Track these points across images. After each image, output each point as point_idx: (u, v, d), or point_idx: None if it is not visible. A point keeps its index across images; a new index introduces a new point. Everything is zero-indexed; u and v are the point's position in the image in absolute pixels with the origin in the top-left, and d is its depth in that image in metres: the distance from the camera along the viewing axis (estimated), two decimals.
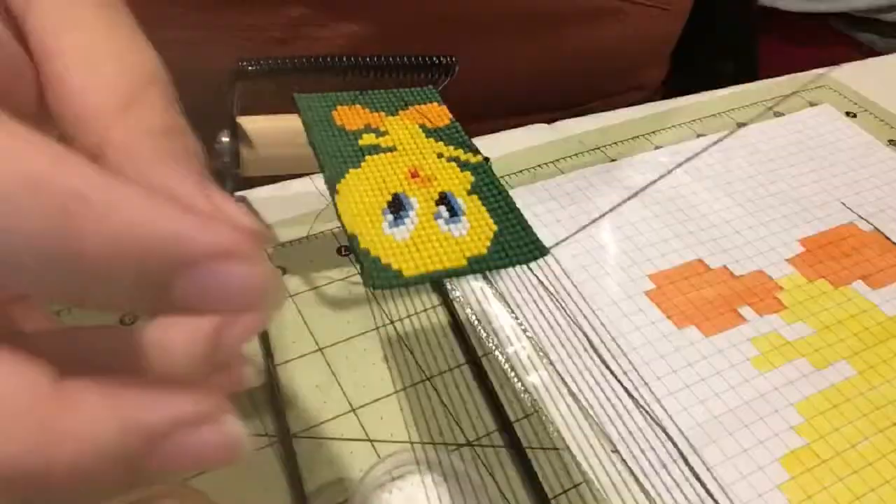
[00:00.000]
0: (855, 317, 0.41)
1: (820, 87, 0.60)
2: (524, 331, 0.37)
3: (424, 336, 0.38)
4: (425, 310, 0.39)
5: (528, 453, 0.33)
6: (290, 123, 0.39)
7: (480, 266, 0.25)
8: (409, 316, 0.39)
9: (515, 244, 0.26)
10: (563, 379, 0.35)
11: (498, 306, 0.38)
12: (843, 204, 0.49)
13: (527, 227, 0.27)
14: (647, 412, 0.34)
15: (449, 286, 0.39)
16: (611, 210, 0.46)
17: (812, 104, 0.58)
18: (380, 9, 0.48)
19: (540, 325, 0.38)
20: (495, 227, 0.26)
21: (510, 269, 0.25)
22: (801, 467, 0.34)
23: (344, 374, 0.36)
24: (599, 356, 0.36)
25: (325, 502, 0.31)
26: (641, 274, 0.42)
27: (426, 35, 0.50)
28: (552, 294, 0.38)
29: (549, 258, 0.38)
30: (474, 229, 0.26)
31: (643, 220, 0.46)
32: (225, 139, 0.38)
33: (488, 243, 0.26)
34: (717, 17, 0.67)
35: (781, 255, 0.45)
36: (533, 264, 0.26)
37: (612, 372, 0.36)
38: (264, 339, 0.37)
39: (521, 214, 0.27)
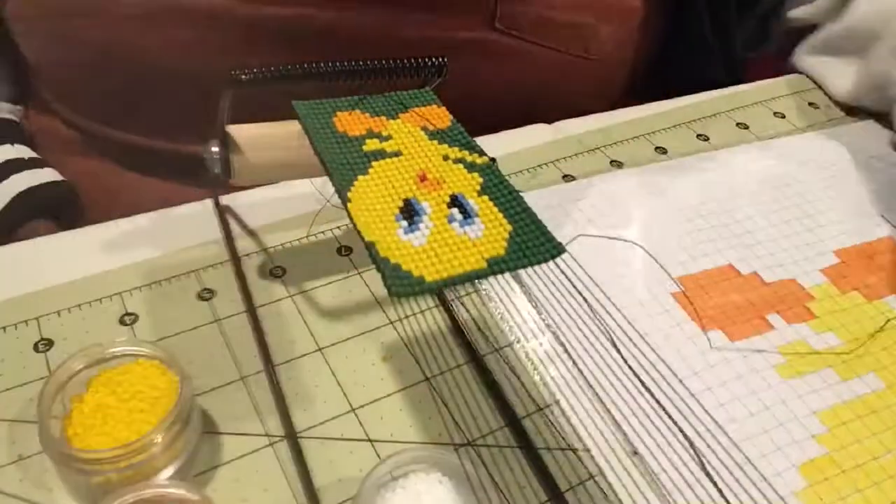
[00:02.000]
0: (887, 331, 0.40)
1: (819, 88, 0.60)
2: (547, 326, 0.37)
3: (424, 336, 0.38)
4: (424, 310, 0.39)
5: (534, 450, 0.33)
6: (278, 130, 0.39)
7: (500, 267, 0.25)
8: (409, 316, 0.39)
9: (532, 244, 0.26)
10: (584, 376, 0.35)
11: (522, 302, 0.38)
12: (883, 217, 0.48)
13: (541, 227, 0.27)
14: (666, 412, 0.34)
15: (467, 328, 0.38)
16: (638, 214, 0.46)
17: (811, 104, 0.58)
18: None
19: (563, 319, 0.37)
20: (510, 228, 0.26)
21: (533, 268, 0.25)
22: (819, 476, 0.34)
23: (344, 374, 0.36)
24: (621, 354, 0.36)
25: (326, 502, 0.31)
26: (669, 276, 0.42)
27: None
28: (573, 292, 0.38)
29: (569, 257, 0.38)
30: (489, 230, 0.26)
31: (676, 223, 0.45)
32: (215, 148, 0.38)
33: (505, 244, 0.26)
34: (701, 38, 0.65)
35: (815, 265, 0.44)
36: (559, 261, 0.26)
37: (632, 370, 0.35)
38: (262, 343, 0.37)
39: (534, 214, 0.27)
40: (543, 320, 0.37)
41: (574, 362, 0.36)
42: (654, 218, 0.46)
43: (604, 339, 0.37)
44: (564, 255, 0.27)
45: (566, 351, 0.37)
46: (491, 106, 0.51)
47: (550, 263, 0.26)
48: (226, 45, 0.48)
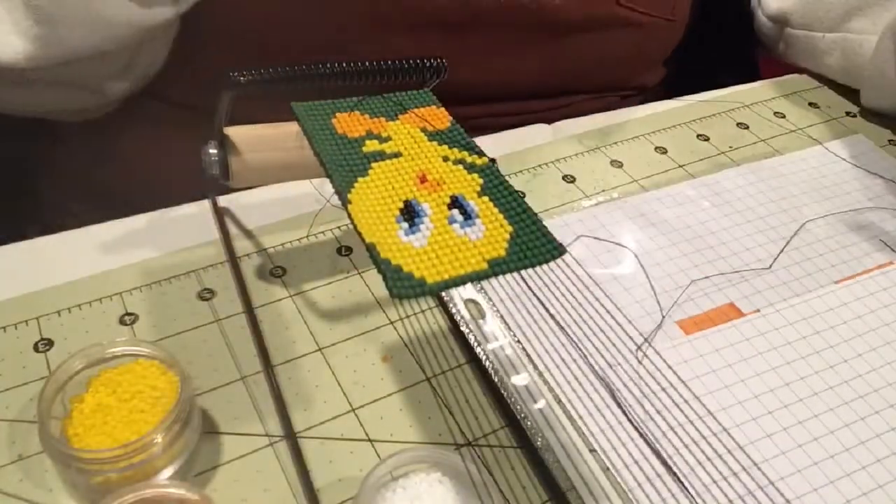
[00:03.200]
0: None
1: (819, 88, 0.61)
2: (550, 389, 0.36)
3: (424, 336, 0.38)
4: (424, 310, 0.39)
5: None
6: (277, 132, 0.39)
7: (501, 268, 0.25)
8: (409, 316, 0.39)
9: (533, 245, 0.26)
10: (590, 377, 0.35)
11: (520, 362, 0.37)
12: (883, 242, 0.46)
13: (542, 227, 0.27)
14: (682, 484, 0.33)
15: (466, 328, 0.38)
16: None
17: (812, 104, 0.58)
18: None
19: (571, 386, 0.36)
20: (511, 229, 0.27)
21: (535, 269, 0.25)
22: None
23: (344, 374, 0.36)
24: (626, 416, 0.35)
25: (326, 502, 0.31)
26: (669, 321, 0.40)
27: (430, 37, 0.51)
28: (582, 351, 0.37)
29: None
30: (490, 232, 0.26)
31: (670, 260, 0.44)
32: (213, 150, 0.38)
33: (506, 245, 0.26)
34: (718, 32, 0.67)
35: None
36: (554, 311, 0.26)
37: (636, 428, 0.34)
38: (261, 344, 0.37)
39: (535, 214, 0.27)
40: (546, 383, 0.36)
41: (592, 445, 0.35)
42: (648, 255, 0.44)
43: (605, 400, 0.36)
44: (565, 256, 0.27)
45: (568, 352, 0.37)
46: (585, 76, 0.58)
47: (552, 264, 0.26)
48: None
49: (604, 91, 0.61)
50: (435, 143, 0.31)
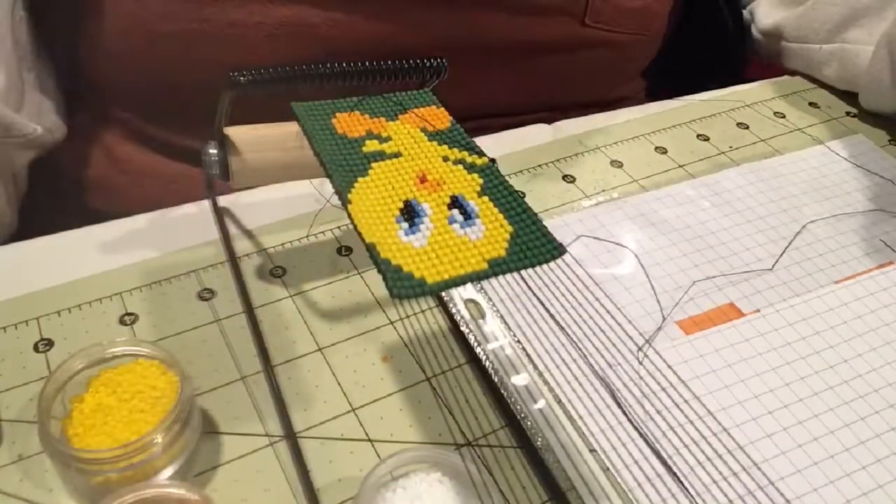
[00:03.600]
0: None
1: (819, 88, 0.61)
2: (550, 389, 0.36)
3: (424, 336, 0.38)
4: (424, 310, 0.39)
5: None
6: (277, 132, 0.39)
7: (501, 268, 0.25)
8: (409, 316, 0.39)
9: (533, 245, 0.26)
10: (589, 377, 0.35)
11: (521, 363, 0.37)
12: (883, 242, 0.46)
13: (542, 227, 0.27)
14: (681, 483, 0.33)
15: (466, 328, 0.38)
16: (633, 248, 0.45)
17: (812, 104, 0.58)
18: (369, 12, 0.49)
19: (571, 386, 0.36)
20: (511, 229, 0.27)
21: (535, 269, 0.25)
22: None
23: (344, 374, 0.36)
24: (626, 416, 0.35)
25: (326, 502, 0.31)
26: (669, 321, 0.40)
27: (411, 46, 0.51)
28: (582, 351, 0.37)
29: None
30: (490, 232, 0.26)
31: (670, 260, 0.44)
32: (213, 150, 0.38)
33: (506, 245, 0.26)
34: (701, 40, 0.68)
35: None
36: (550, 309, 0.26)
37: (636, 428, 0.35)
38: (261, 344, 0.37)
39: (535, 214, 0.27)
40: (544, 382, 0.36)
41: (577, 364, 0.36)
42: (648, 255, 0.44)
43: (606, 403, 0.36)
44: (565, 256, 0.27)
45: (568, 352, 0.37)
46: (560, 93, 0.58)
47: (552, 264, 0.26)
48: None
49: (581, 105, 0.61)
50: (435, 143, 0.31)
